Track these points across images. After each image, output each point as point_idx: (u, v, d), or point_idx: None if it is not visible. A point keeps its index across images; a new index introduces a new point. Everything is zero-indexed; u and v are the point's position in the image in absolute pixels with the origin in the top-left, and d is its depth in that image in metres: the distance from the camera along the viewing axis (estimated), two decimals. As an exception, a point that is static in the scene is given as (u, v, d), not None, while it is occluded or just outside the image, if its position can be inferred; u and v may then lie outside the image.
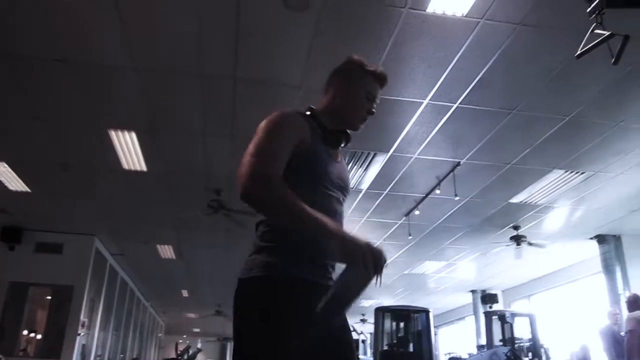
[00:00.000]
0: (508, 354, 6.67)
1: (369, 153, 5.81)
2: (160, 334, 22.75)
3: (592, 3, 2.14)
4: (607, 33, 2.02)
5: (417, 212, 7.43)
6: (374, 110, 1.79)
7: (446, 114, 4.96)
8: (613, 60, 2.11)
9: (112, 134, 5.47)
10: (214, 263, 11.08)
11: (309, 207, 1.40)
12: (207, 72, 4.42)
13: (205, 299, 15.52)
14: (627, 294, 8.19)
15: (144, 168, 6.25)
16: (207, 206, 7.10)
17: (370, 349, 13.11)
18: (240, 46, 4.08)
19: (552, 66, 4.27)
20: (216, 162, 6.13)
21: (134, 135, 5.49)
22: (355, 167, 6.14)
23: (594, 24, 2.08)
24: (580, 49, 2.13)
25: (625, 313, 6.48)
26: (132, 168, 6.25)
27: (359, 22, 3.80)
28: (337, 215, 1.63)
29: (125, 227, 8.95)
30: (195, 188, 6.89)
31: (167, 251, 10.25)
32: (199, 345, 20.33)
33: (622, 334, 6.70)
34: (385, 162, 6.02)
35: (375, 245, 1.35)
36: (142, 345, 17.16)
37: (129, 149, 5.79)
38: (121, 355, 13.24)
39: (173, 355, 12.39)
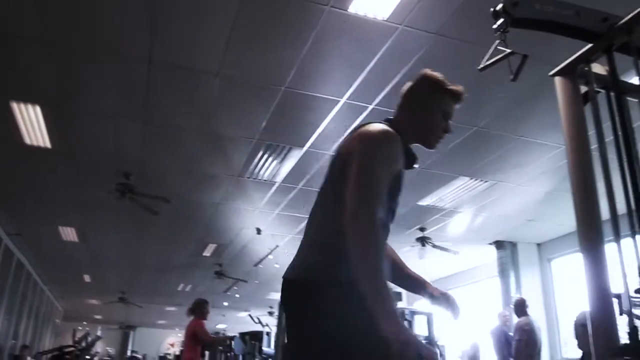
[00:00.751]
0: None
1: (284, 146, 5.82)
2: (57, 320, 21.70)
3: (498, 21, 2.25)
4: (508, 50, 2.14)
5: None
6: (450, 129, 1.81)
7: (362, 114, 5.05)
8: (512, 77, 2.23)
9: (15, 106, 5.14)
10: (119, 248, 10.71)
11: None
12: (122, 51, 4.25)
13: (109, 285, 14.97)
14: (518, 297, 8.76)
15: (48, 145, 5.92)
16: (115, 189, 6.83)
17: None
18: (158, 29, 3.95)
19: (464, 77, 4.42)
20: (127, 145, 5.91)
21: (38, 109, 5.19)
22: (270, 159, 6.14)
23: (498, 40, 2.20)
24: (483, 62, 2.25)
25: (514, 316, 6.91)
26: (35, 144, 5.90)
27: (280, 15, 3.79)
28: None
29: (25, 206, 8.43)
30: (102, 170, 6.61)
31: (69, 233, 9.76)
32: (98, 333, 19.61)
33: (511, 334, 7.15)
34: (301, 157, 6.06)
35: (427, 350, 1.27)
36: (37, 332, 16.28)
37: (32, 123, 5.46)
38: (13, 341, 12.48)
39: (70, 343, 11.83)
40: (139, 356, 21.31)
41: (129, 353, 23.14)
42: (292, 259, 1.64)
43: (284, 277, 1.58)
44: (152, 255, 11.19)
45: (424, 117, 1.80)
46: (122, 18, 3.87)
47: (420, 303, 13.10)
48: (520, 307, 6.57)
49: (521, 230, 8.65)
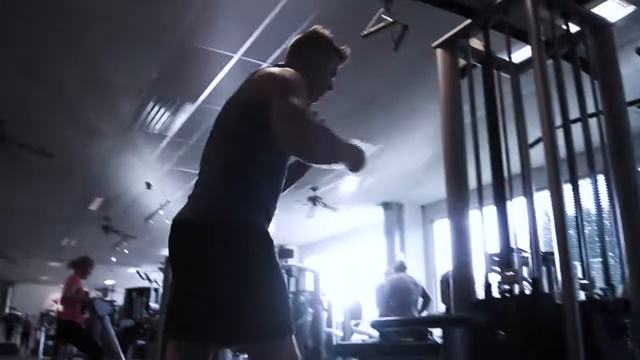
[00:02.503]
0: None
1: (175, 100, 5.65)
2: None
3: (383, -10, 2.29)
4: (390, 20, 2.20)
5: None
6: (332, 86, 1.93)
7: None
8: (394, 46, 2.31)
9: None
10: (-6, 200, 9.96)
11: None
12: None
13: (-17, 239, 13.94)
14: (402, 256, 9.26)
15: None
16: (-12, 136, 6.30)
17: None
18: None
19: (357, 41, 4.51)
20: (3, 88, 5.44)
21: None
22: (161, 112, 5.93)
23: (381, 8, 2.25)
24: (366, 29, 2.30)
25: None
26: None
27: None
28: None
29: None
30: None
31: None
32: (-30, 289, 18.33)
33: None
34: (193, 112, 5.91)
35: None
36: None
37: None
38: None
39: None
40: (19, 313, 20.21)
41: (7, 310, 21.88)
42: (191, 201, 1.68)
43: (188, 221, 1.62)
44: (32, 207, 10.50)
45: (315, 72, 1.87)
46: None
47: (309, 261, 13.49)
48: (397, 268, 6.97)
49: (407, 192, 9.07)
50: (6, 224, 12.00)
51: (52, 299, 25.22)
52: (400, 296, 6.33)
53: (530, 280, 2.33)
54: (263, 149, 1.65)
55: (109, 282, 21.58)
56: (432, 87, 5.18)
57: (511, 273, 2.21)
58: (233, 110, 1.76)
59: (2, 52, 4.76)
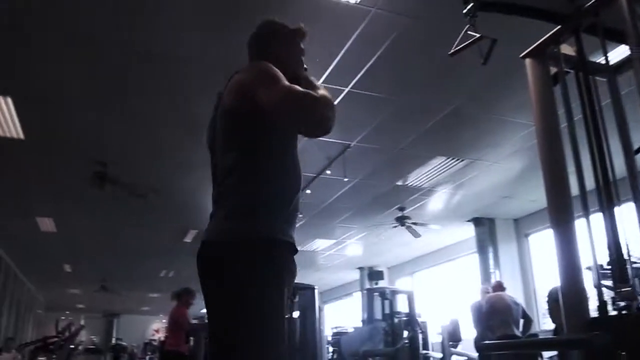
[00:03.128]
0: (386, 327, 7.06)
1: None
2: (39, 311, 21.52)
3: (468, 5, 2.27)
4: (477, 35, 2.18)
5: (308, 192, 7.56)
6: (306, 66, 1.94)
7: (337, 98, 5.07)
8: (482, 61, 2.27)
9: (-16, 98, 5.05)
10: (98, 237, 10.62)
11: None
12: (96, 39, 4.18)
13: (90, 274, 14.85)
14: (498, 273, 8.94)
15: (22, 136, 5.83)
16: (92, 178, 6.77)
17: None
18: (132, 14, 3.90)
19: (438, 59, 4.49)
20: (102, 133, 5.85)
21: (9, 100, 5.10)
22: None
23: (468, 25, 2.23)
24: (453, 47, 2.28)
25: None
26: (8, 135, 5.80)
27: (252, 2, 3.77)
28: None
29: (1, 199, 8.30)
30: (78, 159, 6.53)
31: (47, 224, 9.64)
32: (81, 322, 19.52)
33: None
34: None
35: None
36: (19, 323, 16.14)
37: (4, 115, 5.36)
38: (-6, 334, 12.39)
39: (53, 333, 11.76)
40: (124, 343, 21.27)
41: (113, 341, 23.07)
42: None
43: (202, 240, 1.68)
44: (132, 243, 11.12)
45: (288, 61, 1.89)
46: (95, 3, 3.80)
47: (400, 282, 13.29)
48: (495, 288, 6.73)
49: (498, 206, 8.79)
50: (111, 259, 12.74)
51: (154, 328, 26.36)
52: (500, 315, 6.09)
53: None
54: (262, 149, 1.68)
55: (205, 310, 22.29)
56: (517, 99, 5.12)
57: (628, 288, 2.07)
58: (221, 124, 1.78)
59: (103, 99, 5.12)
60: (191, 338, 6.60)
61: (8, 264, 12.94)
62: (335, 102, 5.10)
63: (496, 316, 6.14)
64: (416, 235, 9.04)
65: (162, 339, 20.18)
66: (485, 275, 9.05)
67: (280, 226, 1.63)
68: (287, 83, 1.60)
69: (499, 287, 6.64)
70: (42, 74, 4.69)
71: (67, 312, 23.09)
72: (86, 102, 5.15)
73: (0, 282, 12.23)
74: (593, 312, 2.33)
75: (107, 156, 6.46)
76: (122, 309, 24.25)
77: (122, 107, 5.24)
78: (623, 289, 2.10)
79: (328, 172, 6.79)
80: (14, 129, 5.68)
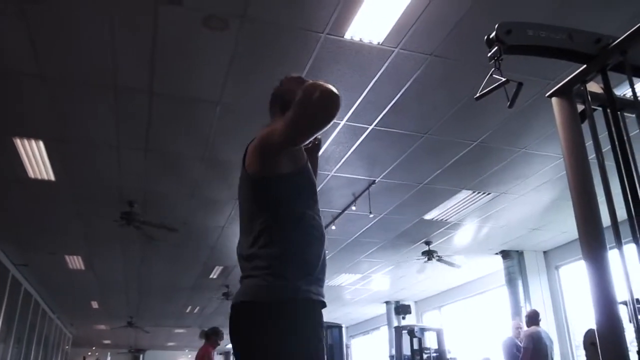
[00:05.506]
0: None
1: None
2: (67, 347, 21.63)
3: (492, 49, 2.28)
4: (503, 79, 2.17)
5: (333, 227, 7.55)
6: None
7: (362, 135, 5.09)
8: (508, 104, 2.26)
9: (18, 141, 5.19)
10: (125, 274, 10.72)
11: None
12: (121, 84, 4.29)
13: (117, 311, 14.95)
14: (528, 306, 8.72)
15: (52, 178, 5.97)
16: (119, 218, 6.87)
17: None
18: (157, 61, 4.01)
19: (461, 95, 4.50)
20: (129, 174, 5.96)
21: (41, 143, 5.24)
22: (273, 182, 6.16)
23: (493, 68, 2.23)
24: (479, 91, 2.27)
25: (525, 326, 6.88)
26: (39, 177, 5.95)
27: (277, 44, 3.84)
28: None
29: (31, 238, 8.45)
30: (106, 199, 6.65)
31: (75, 262, 9.78)
32: (108, 358, 19.55)
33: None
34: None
35: None
36: (47, 359, 16.23)
37: (35, 157, 5.51)
38: (23, 371, 12.45)
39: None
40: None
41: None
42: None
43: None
44: (158, 280, 11.19)
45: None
46: (120, 51, 3.91)
47: (428, 316, 13.06)
48: (532, 318, 6.54)
49: (527, 239, 8.64)
50: (138, 296, 12.81)
51: (179, 365, 26.21)
52: (535, 353, 5.92)
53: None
54: (284, 213, 1.73)
55: (230, 347, 22.19)
56: (542, 132, 5.10)
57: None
58: (243, 189, 1.86)
59: (127, 137, 5.22)
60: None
61: (37, 301, 13.10)
62: (360, 140, 5.12)
63: (541, 356, 5.98)
64: (455, 266, 8.91)
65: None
66: (516, 309, 8.84)
67: (311, 287, 1.68)
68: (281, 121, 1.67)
69: (535, 318, 6.44)
70: (70, 116, 4.80)
71: (94, 348, 23.19)
72: (112, 144, 5.26)
73: (28, 318, 12.36)
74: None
75: (134, 196, 6.55)
76: (148, 345, 24.25)
77: (146, 147, 5.33)
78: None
79: (353, 208, 6.78)
80: (45, 171, 5.82)
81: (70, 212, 7.14)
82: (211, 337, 6.21)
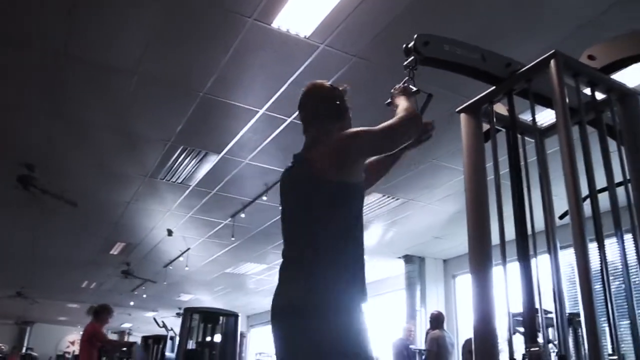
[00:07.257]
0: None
1: (200, 151, 5.73)
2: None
3: (409, 58, 2.32)
4: (414, 89, 2.23)
5: (242, 215, 7.49)
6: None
7: (280, 127, 5.07)
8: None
9: None
10: (18, 242, 10.08)
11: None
12: (37, 42, 4.01)
13: (6, 279, 14.06)
14: (424, 311, 9.06)
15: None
16: (16, 181, 6.44)
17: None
18: (76, 22, 3.78)
19: (380, 100, 4.53)
20: (32, 137, 5.59)
21: None
22: (185, 162, 6.02)
23: (406, 77, 2.28)
24: (390, 98, 2.32)
25: (420, 329, 7.10)
26: None
27: (204, 21, 3.74)
28: None
29: None
30: (3, 159, 6.21)
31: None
32: (-10, 328, 18.38)
33: (412, 347, 7.36)
34: (216, 163, 5.99)
35: None
36: None
37: None
38: None
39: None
40: (35, 354, 20.12)
41: (24, 350, 21.80)
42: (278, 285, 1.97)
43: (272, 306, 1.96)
44: (54, 250, 10.61)
45: (344, 117, 2.28)
46: (42, 3, 3.66)
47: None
48: (437, 321, 6.74)
49: (429, 246, 8.97)
50: (29, 266, 12.12)
51: (69, 340, 25.15)
52: (438, 357, 6.11)
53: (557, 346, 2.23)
54: (342, 219, 1.95)
55: (126, 325, 21.50)
56: (453, 146, 5.27)
57: (536, 348, 2.13)
58: (302, 189, 1.97)
59: (35, 98, 4.90)
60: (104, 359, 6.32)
61: None
62: (278, 131, 5.09)
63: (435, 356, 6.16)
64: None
65: (77, 352, 19.26)
66: (412, 312, 9.16)
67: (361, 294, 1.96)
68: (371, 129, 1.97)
69: (440, 320, 6.60)
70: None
71: (-25, 318, 21.72)
72: (17, 103, 4.92)
73: None
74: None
75: (35, 159, 6.17)
76: (37, 317, 23.02)
77: (54, 111, 5.03)
78: (533, 349, 2.15)
79: (264, 198, 6.75)
80: None
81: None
82: (100, 314, 5.95)
